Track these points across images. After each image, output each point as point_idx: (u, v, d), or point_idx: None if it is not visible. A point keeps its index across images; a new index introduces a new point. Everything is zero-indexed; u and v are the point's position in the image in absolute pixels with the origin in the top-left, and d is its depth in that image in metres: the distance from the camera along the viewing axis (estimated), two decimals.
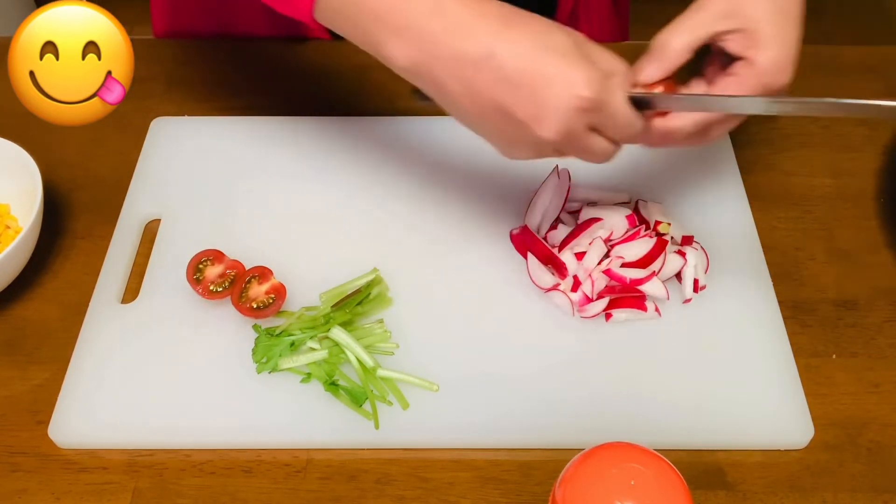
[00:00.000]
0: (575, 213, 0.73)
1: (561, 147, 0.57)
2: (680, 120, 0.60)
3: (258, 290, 0.69)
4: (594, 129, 0.57)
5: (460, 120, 0.59)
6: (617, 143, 0.59)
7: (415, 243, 0.74)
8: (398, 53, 0.56)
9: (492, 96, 0.55)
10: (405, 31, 0.55)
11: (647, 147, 0.62)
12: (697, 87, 0.64)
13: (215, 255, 0.70)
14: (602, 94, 0.55)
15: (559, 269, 0.69)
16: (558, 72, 0.54)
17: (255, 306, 0.68)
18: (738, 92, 0.60)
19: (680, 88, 0.62)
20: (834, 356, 0.68)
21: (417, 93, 0.59)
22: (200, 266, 0.70)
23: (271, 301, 0.68)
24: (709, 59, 0.64)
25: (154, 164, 0.80)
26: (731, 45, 0.61)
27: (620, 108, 0.56)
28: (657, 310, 0.68)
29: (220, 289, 0.69)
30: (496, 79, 0.54)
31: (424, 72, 0.56)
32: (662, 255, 0.68)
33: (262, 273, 0.69)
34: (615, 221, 0.70)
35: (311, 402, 0.64)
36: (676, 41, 0.61)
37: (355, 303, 0.68)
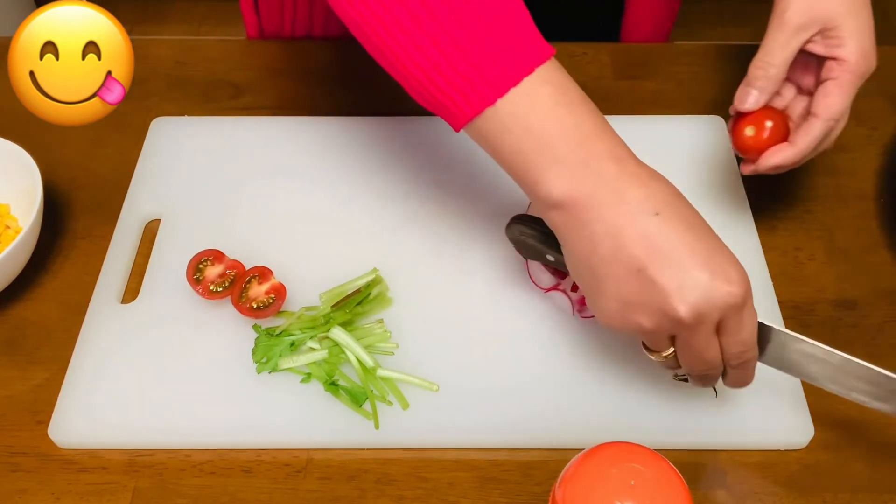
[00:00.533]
0: None
1: (682, 333, 0.53)
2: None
3: (258, 290, 0.69)
4: (719, 333, 0.54)
5: (578, 266, 0.55)
6: (724, 361, 0.56)
7: (415, 243, 0.74)
8: (557, 183, 0.53)
9: (637, 254, 0.52)
10: (574, 166, 0.53)
11: (731, 385, 0.59)
12: (788, 93, 0.67)
13: (215, 255, 0.70)
14: (748, 296, 0.53)
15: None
16: (714, 258, 0.52)
17: (255, 306, 0.68)
18: (840, 94, 0.62)
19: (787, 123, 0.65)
20: None
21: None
22: (200, 266, 0.70)
23: (271, 301, 0.68)
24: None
25: (154, 164, 0.80)
26: (817, 47, 0.63)
27: (753, 320, 0.54)
28: None
29: (220, 289, 0.69)
30: (648, 238, 0.52)
31: (575, 206, 0.53)
32: None
33: (262, 273, 0.69)
34: None
35: (311, 402, 0.64)
36: (776, 63, 0.63)
37: (355, 303, 0.68)
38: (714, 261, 0.52)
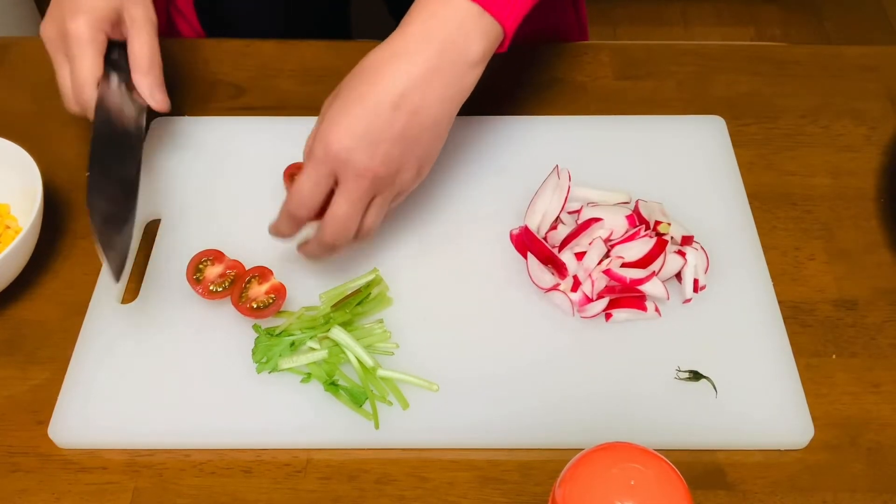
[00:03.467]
0: (575, 213, 0.73)
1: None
2: None
3: (258, 290, 0.69)
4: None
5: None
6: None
7: (415, 243, 0.74)
8: None
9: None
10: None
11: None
12: None
13: (215, 255, 0.70)
14: None
15: (559, 269, 0.69)
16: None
17: (255, 306, 0.68)
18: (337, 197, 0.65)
19: None
20: (834, 356, 0.68)
21: None
22: (200, 266, 0.70)
23: (271, 301, 0.68)
24: None
25: (154, 164, 0.80)
26: None
27: None
28: (657, 310, 0.68)
29: (220, 289, 0.69)
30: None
31: None
32: (662, 255, 0.68)
33: (262, 273, 0.69)
34: (615, 221, 0.70)
35: (311, 402, 0.64)
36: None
37: (355, 303, 0.68)
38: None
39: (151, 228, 0.76)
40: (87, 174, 0.66)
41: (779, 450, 0.63)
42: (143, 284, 0.72)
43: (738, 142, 0.81)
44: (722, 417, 0.63)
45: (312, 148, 0.63)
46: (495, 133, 0.82)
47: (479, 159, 0.80)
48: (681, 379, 0.65)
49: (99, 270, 0.72)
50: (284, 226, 0.66)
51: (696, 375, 0.65)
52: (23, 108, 0.87)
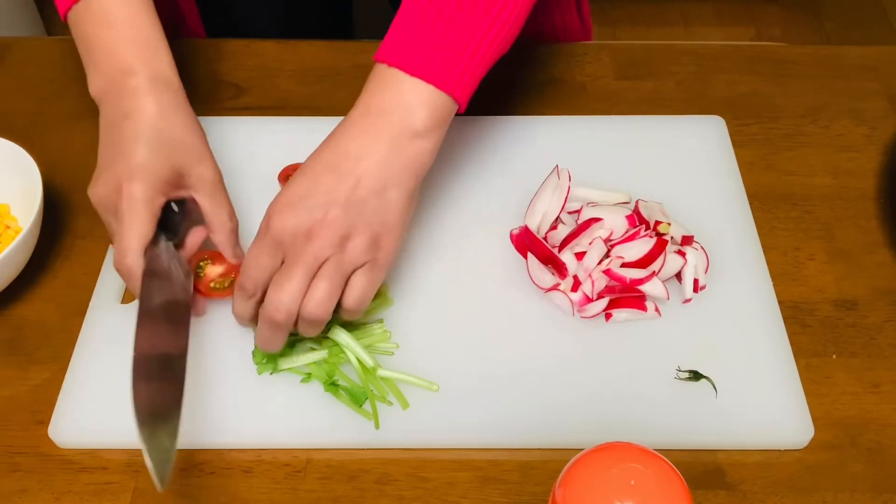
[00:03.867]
0: (575, 213, 0.73)
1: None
2: None
3: (214, 271, 0.69)
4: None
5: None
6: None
7: (415, 243, 0.74)
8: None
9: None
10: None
11: None
12: None
13: (215, 256, 0.70)
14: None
15: (559, 269, 0.69)
16: None
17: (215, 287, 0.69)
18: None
19: None
20: (834, 356, 0.68)
21: None
22: (201, 265, 0.70)
23: (230, 281, 0.68)
24: None
25: None
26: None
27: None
28: (657, 310, 0.68)
29: (221, 287, 0.69)
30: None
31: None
32: (662, 255, 0.68)
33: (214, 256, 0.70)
34: (615, 221, 0.70)
35: (311, 402, 0.64)
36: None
37: None
38: None
39: None
40: (133, 354, 0.58)
41: (779, 450, 0.63)
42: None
43: (738, 142, 0.81)
44: (722, 417, 0.63)
45: (260, 226, 0.62)
46: (495, 133, 0.82)
47: (479, 159, 0.80)
48: (681, 379, 0.65)
49: (99, 270, 0.72)
50: (237, 304, 0.63)
51: (696, 375, 0.65)
52: (23, 108, 0.87)
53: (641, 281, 0.68)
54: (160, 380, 0.58)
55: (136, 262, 0.62)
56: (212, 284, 0.69)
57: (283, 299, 0.59)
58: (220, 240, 0.67)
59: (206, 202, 0.67)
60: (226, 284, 0.69)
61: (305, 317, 0.60)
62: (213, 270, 0.70)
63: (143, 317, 0.61)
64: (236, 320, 0.65)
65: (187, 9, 0.95)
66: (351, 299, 0.61)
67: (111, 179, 0.63)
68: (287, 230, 0.60)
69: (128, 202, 0.62)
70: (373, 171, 0.60)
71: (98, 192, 0.64)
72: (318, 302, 0.59)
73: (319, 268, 0.60)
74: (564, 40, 0.95)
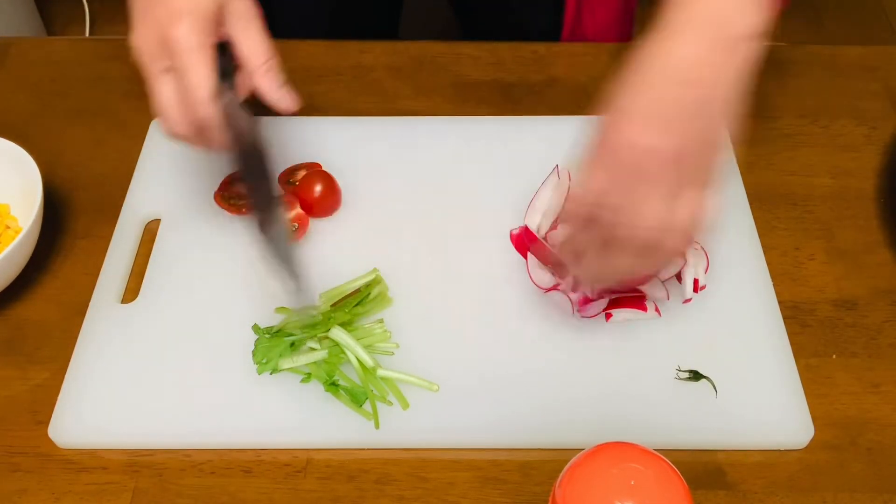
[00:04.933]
0: None
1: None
2: None
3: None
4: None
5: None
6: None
7: (415, 243, 0.74)
8: None
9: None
10: None
11: None
12: None
13: (289, 201, 0.74)
14: None
15: (559, 269, 0.69)
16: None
17: None
18: None
19: None
20: (834, 356, 0.68)
21: None
22: (233, 182, 0.75)
23: (294, 228, 0.72)
24: None
25: (154, 164, 0.80)
26: None
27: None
28: (657, 310, 0.68)
29: (242, 202, 0.73)
30: None
31: None
32: None
33: (289, 202, 0.73)
34: None
35: (311, 402, 0.64)
36: None
37: (355, 303, 0.68)
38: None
39: (151, 228, 0.76)
40: (250, 200, 0.59)
41: (779, 450, 0.63)
42: (143, 284, 0.72)
43: (738, 142, 0.81)
44: (722, 417, 0.63)
45: (602, 146, 0.55)
46: (495, 133, 0.82)
47: (480, 159, 0.80)
48: (681, 379, 0.65)
49: (99, 270, 0.72)
50: (571, 233, 0.58)
51: (696, 375, 0.65)
52: (23, 108, 0.87)
53: (641, 281, 0.68)
54: (276, 221, 0.60)
55: (210, 113, 0.58)
56: (232, 200, 0.73)
57: (665, 223, 0.54)
58: (260, 81, 0.62)
59: (243, 38, 0.61)
60: (292, 231, 0.72)
61: (676, 230, 0.55)
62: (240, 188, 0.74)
63: (244, 163, 0.60)
64: (566, 257, 0.60)
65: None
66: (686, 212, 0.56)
67: (153, 26, 0.58)
68: (650, 149, 0.54)
69: (184, 49, 0.57)
70: (710, 79, 0.55)
71: (141, 39, 0.58)
72: (690, 217, 0.55)
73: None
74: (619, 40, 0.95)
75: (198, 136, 0.60)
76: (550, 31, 0.95)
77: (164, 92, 0.59)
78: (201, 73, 0.57)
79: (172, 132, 0.60)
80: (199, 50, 0.57)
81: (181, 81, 0.58)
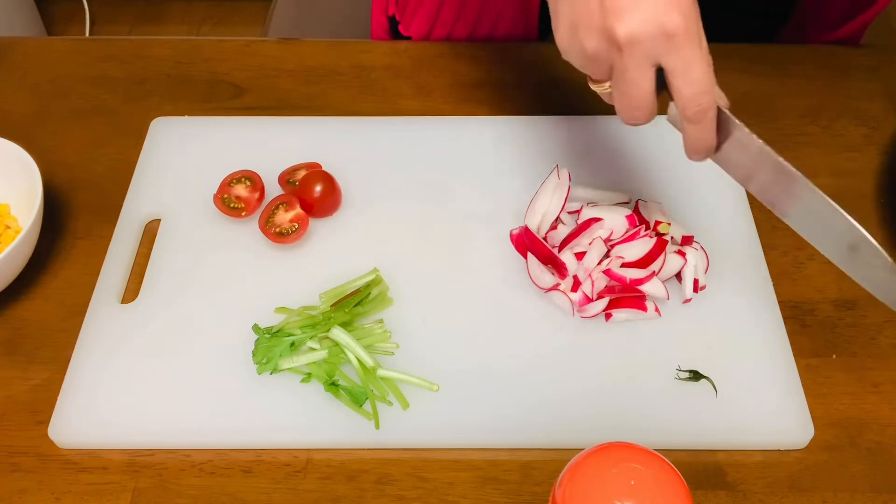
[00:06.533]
0: (575, 213, 0.73)
1: (619, 59, 0.54)
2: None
3: (283, 217, 0.73)
4: (668, 75, 0.54)
5: None
6: (680, 110, 0.56)
7: (415, 243, 0.74)
8: None
9: None
10: None
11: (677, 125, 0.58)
12: None
13: (290, 200, 0.74)
14: (690, 27, 0.53)
15: (559, 269, 0.69)
16: None
17: (279, 232, 0.72)
18: None
19: None
20: (834, 356, 0.68)
21: None
22: (231, 184, 0.76)
23: (295, 228, 0.72)
24: None
25: (154, 164, 0.80)
26: None
27: (701, 57, 0.53)
28: (657, 310, 0.68)
29: (287, 233, 0.73)
30: None
31: None
32: (662, 255, 0.68)
33: (289, 201, 0.74)
34: (615, 221, 0.70)
35: (311, 402, 0.64)
36: None
37: (355, 302, 0.68)
38: None
39: (151, 228, 0.76)
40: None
41: (779, 450, 0.63)
42: (143, 284, 0.72)
43: None
44: (722, 417, 0.63)
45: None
46: (495, 133, 0.82)
47: (479, 159, 0.80)
48: (681, 379, 0.65)
49: (99, 270, 0.72)
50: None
51: (696, 375, 0.65)
52: (23, 108, 0.87)
53: (641, 281, 0.68)
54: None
55: (712, 101, 0.56)
56: (277, 230, 0.72)
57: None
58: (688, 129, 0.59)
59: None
60: (292, 231, 0.72)
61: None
62: (283, 216, 0.73)
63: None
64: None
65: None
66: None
67: (594, 27, 0.55)
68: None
69: (683, 32, 0.53)
70: None
71: (587, 46, 0.56)
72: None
73: None
74: None
75: (702, 121, 0.57)
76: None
77: (637, 86, 0.56)
78: (703, 56, 0.55)
79: (631, 121, 0.59)
80: (698, 31, 0.55)
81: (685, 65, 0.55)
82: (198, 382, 0.66)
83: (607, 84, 0.58)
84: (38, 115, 0.86)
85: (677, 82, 0.55)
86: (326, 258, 0.73)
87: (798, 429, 0.63)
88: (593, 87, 0.59)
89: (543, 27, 0.90)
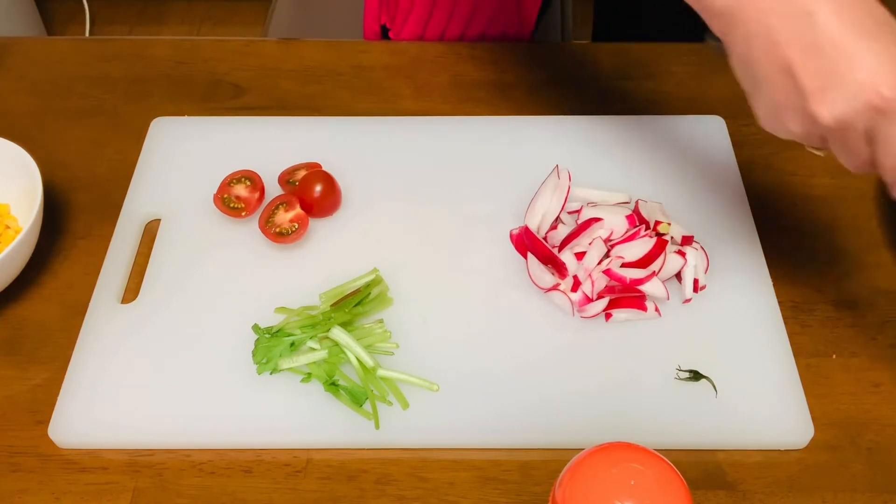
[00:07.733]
0: (575, 213, 0.73)
1: (830, 136, 0.52)
2: None
3: (283, 217, 0.73)
4: (871, 136, 0.51)
5: (739, 69, 0.55)
6: (880, 165, 0.53)
7: (415, 243, 0.74)
8: None
9: (787, 54, 0.51)
10: None
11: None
12: None
13: (290, 201, 0.74)
14: None
15: (559, 269, 0.69)
16: (869, 58, 0.49)
17: (279, 231, 0.72)
18: None
19: None
20: (834, 356, 0.68)
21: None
22: (231, 184, 0.76)
23: (294, 228, 0.72)
24: None
25: (154, 164, 0.80)
26: None
27: None
28: (657, 310, 0.68)
29: (287, 233, 0.73)
30: (801, 38, 0.50)
31: (734, 10, 0.53)
32: (662, 255, 0.68)
33: (289, 201, 0.74)
34: (615, 221, 0.70)
35: (311, 402, 0.64)
36: None
37: (355, 302, 0.68)
38: (871, 62, 0.49)
39: (151, 228, 0.76)
40: None
41: (779, 450, 0.63)
42: (143, 284, 0.72)
43: (737, 142, 0.81)
44: (722, 417, 0.63)
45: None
46: (495, 133, 0.82)
47: (480, 159, 0.80)
48: (681, 379, 0.65)
49: (99, 270, 0.72)
50: None
51: (696, 375, 0.65)
52: (23, 108, 0.87)
53: (641, 281, 0.68)
54: None
55: None
56: (277, 230, 0.72)
57: None
58: None
59: None
60: (292, 231, 0.72)
61: None
62: (283, 216, 0.73)
63: None
64: None
65: None
66: None
67: (793, 106, 0.52)
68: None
69: (893, 101, 0.50)
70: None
71: (792, 126, 0.54)
72: None
73: None
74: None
75: None
76: None
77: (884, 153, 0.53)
78: None
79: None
80: None
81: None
82: (198, 382, 0.66)
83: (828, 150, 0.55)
84: (38, 115, 0.86)
85: (877, 150, 0.52)
86: (326, 258, 0.73)
87: (798, 429, 0.63)
88: (815, 152, 0.57)
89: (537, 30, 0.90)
